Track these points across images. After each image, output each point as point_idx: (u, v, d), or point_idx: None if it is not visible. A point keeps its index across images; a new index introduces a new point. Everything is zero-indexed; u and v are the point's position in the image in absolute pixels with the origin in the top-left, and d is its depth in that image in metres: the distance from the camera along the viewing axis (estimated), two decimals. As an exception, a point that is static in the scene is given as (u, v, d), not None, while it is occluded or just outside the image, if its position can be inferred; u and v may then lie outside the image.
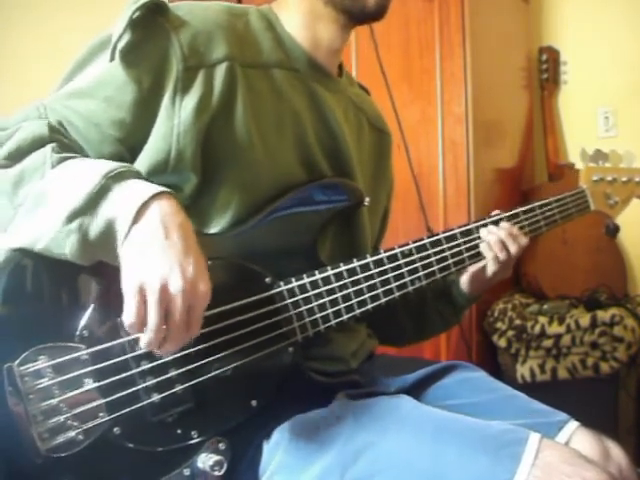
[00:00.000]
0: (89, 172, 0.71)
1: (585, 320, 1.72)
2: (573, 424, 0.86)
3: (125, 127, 0.80)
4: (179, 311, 0.67)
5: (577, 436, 0.85)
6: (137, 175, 0.74)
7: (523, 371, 1.77)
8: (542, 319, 1.78)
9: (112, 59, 0.80)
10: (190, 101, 0.81)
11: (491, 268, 1.02)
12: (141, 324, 0.66)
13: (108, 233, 0.69)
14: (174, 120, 0.80)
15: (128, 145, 0.81)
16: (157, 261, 0.67)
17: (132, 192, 0.70)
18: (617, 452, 0.84)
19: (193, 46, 0.82)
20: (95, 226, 0.69)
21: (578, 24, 2.27)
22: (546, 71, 2.27)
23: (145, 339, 0.67)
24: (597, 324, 1.71)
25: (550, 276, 2.00)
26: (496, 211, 1.05)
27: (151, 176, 0.81)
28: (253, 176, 0.86)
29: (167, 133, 0.80)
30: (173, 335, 0.68)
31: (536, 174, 2.32)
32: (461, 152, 1.83)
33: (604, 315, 1.72)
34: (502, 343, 1.81)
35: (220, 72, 0.83)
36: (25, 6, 2.12)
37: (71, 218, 0.69)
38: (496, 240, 1.00)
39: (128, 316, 0.66)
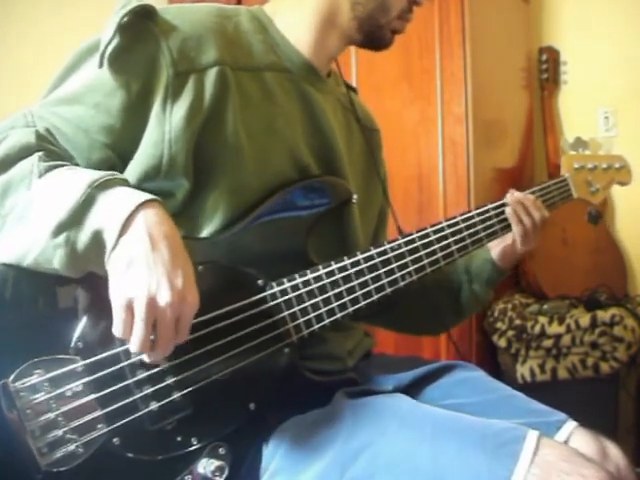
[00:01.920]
0: (74, 182, 0.70)
1: (585, 320, 1.72)
2: (571, 424, 0.86)
3: (114, 133, 0.80)
4: (167, 323, 0.68)
5: (575, 436, 0.85)
6: (122, 182, 0.73)
7: (523, 371, 1.78)
8: (542, 319, 1.78)
9: (101, 65, 0.79)
10: (181, 107, 0.80)
11: (517, 232, 1.04)
12: (130, 336, 0.67)
13: (96, 245, 0.69)
14: (165, 126, 0.80)
15: (117, 151, 0.81)
16: (144, 275, 0.67)
17: (118, 202, 0.69)
18: (615, 452, 0.84)
19: (183, 51, 0.81)
20: (82, 238, 0.69)
21: (578, 24, 2.27)
22: (546, 71, 2.27)
23: (132, 349, 0.68)
24: (597, 324, 1.71)
25: (550, 276, 2.00)
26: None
27: (143, 182, 0.81)
28: (244, 180, 0.86)
29: (158, 139, 0.80)
30: (161, 344, 0.69)
31: (536, 174, 2.31)
32: (461, 152, 1.82)
33: (604, 315, 1.72)
34: (502, 343, 1.81)
35: (211, 76, 0.82)
36: (25, 3, 2.12)
37: (57, 232, 0.68)
38: (521, 207, 1.04)
39: (117, 330, 0.67)
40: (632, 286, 2.17)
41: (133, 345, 0.67)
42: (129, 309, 0.67)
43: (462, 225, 1.00)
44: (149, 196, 0.71)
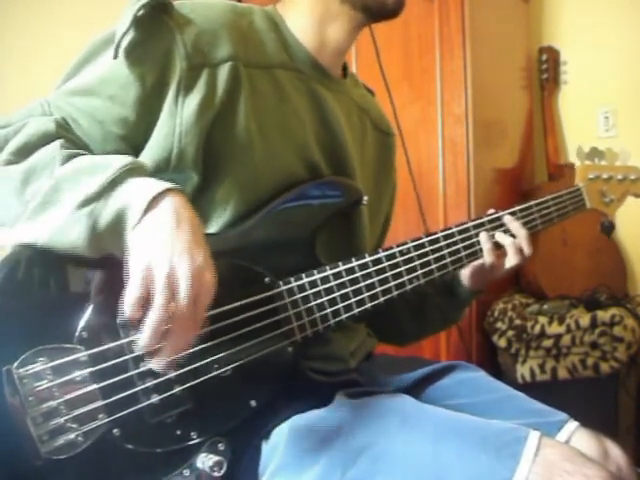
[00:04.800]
0: (103, 164, 0.71)
1: (585, 320, 1.72)
2: (572, 424, 0.87)
3: (128, 125, 0.81)
4: (185, 297, 0.65)
5: (576, 436, 0.85)
6: (149, 173, 0.74)
7: (523, 371, 1.78)
8: (542, 319, 1.78)
9: (116, 57, 0.79)
10: (193, 100, 0.81)
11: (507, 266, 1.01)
12: (142, 303, 0.65)
13: (118, 221, 0.69)
14: (176, 119, 0.80)
15: (131, 143, 0.81)
16: (167, 246, 0.66)
17: (145, 184, 0.70)
18: (616, 452, 0.84)
19: (197, 45, 0.82)
20: (107, 212, 0.69)
21: (578, 24, 2.27)
22: (546, 71, 2.27)
23: (150, 322, 0.64)
24: (597, 324, 1.71)
25: (550, 276, 2.00)
26: (491, 210, 1.05)
27: (153, 174, 0.81)
28: (253, 176, 0.86)
29: (169, 132, 0.80)
30: (179, 323, 0.66)
31: (536, 174, 2.32)
32: (461, 152, 1.83)
33: (604, 315, 1.72)
34: (502, 343, 1.81)
35: (224, 72, 0.83)
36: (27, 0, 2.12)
37: (84, 204, 0.69)
38: (514, 243, 1.00)
39: (131, 293, 0.64)
40: (632, 286, 2.17)
41: (152, 314, 0.64)
42: (148, 276, 0.65)
43: (473, 232, 0.99)
44: (175, 185, 0.72)
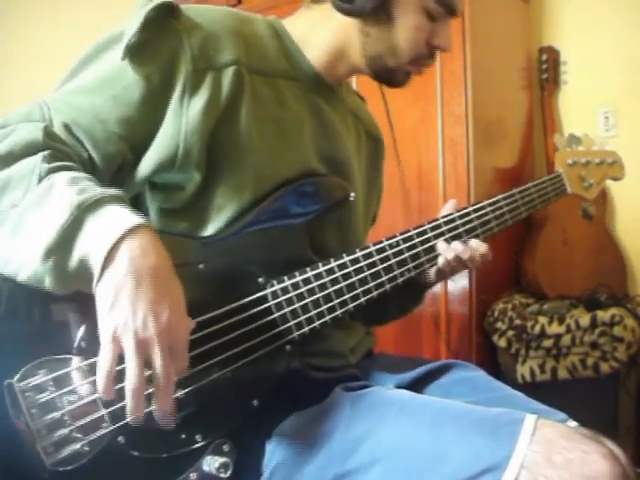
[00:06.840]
0: (64, 201, 0.68)
1: (585, 320, 1.72)
2: (572, 424, 0.86)
3: (131, 125, 0.81)
4: (159, 354, 0.66)
5: (576, 435, 0.85)
6: (113, 200, 0.70)
7: (523, 371, 1.78)
8: (542, 319, 1.78)
9: (124, 57, 0.80)
10: (198, 102, 0.82)
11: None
12: (116, 374, 0.65)
13: (84, 269, 0.67)
14: (182, 119, 0.81)
15: (132, 143, 0.82)
16: (129, 313, 0.65)
17: (103, 229, 0.67)
18: (616, 452, 0.84)
19: (203, 48, 0.83)
20: (71, 264, 0.67)
21: (578, 24, 2.27)
22: (546, 71, 2.27)
23: (129, 386, 0.65)
24: (597, 324, 1.71)
25: (550, 276, 2.00)
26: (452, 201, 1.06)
27: (158, 173, 0.83)
28: (251, 177, 0.87)
29: (175, 132, 0.82)
30: (160, 376, 0.67)
31: (536, 174, 2.31)
32: (461, 152, 1.83)
33: (604, 315, 1.72)
34: (502, 343, 1.81)
35: (228, 75, 0.85)
36: (29, 1, 2.12)
37: (46, 257, 0.66)
38: (454, 257, 0.98)
39: (102, 366, 0.65)
40: (632, 286, 2.17)
41: (129, 382, 0.65)
42: (116, 345, 0.65)
43: (458, 221, 1.01)
44: (136, 221, 0.68)
